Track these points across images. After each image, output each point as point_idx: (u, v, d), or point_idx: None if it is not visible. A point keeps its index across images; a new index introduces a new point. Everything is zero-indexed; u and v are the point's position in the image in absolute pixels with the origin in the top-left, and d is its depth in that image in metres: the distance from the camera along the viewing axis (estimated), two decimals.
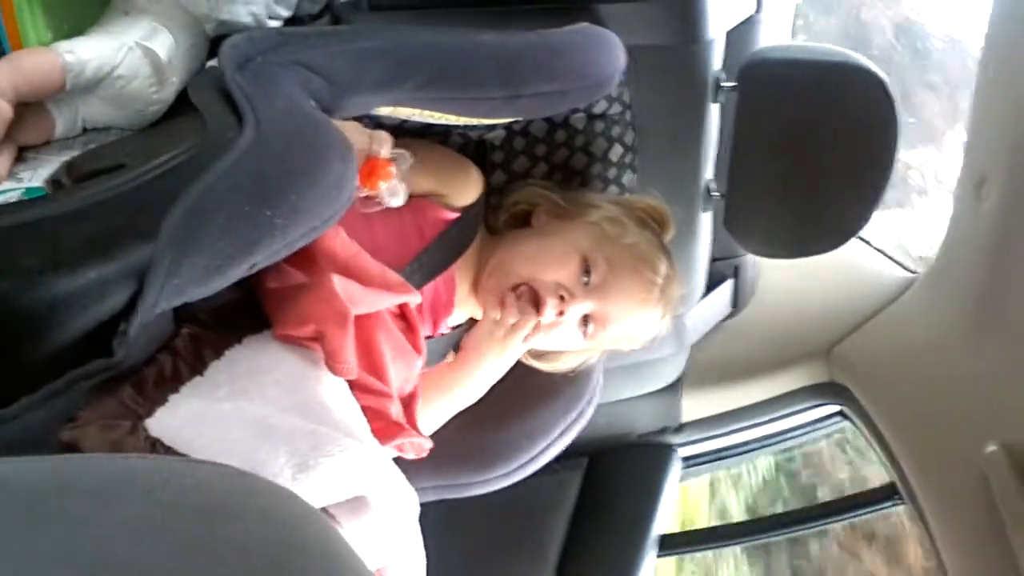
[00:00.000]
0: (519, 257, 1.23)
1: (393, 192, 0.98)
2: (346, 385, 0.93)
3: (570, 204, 1.29)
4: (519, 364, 1.31)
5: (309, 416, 0.84)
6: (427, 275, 1.17)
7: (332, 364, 0.89)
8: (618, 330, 1.25)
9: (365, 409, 0.94)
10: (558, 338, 1.24)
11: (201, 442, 0.76)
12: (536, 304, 1.19)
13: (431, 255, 1.17)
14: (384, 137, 0.98)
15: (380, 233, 1.11)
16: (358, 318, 0.94)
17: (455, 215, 1.21)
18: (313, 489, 0.77)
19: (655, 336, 1.32)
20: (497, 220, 1.33)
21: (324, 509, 0.82)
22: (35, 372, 0.72)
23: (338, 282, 0.93)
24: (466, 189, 1.23)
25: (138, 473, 0.50)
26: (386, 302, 1.02)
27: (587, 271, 1.20)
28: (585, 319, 1.22)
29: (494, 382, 1.25)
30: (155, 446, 0.74)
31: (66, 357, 0.72)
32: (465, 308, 1.28)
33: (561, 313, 1.19)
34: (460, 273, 1.25)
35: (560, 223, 1.27)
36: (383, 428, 0.98)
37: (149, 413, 0.77)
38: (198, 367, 0.84)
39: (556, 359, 1.33)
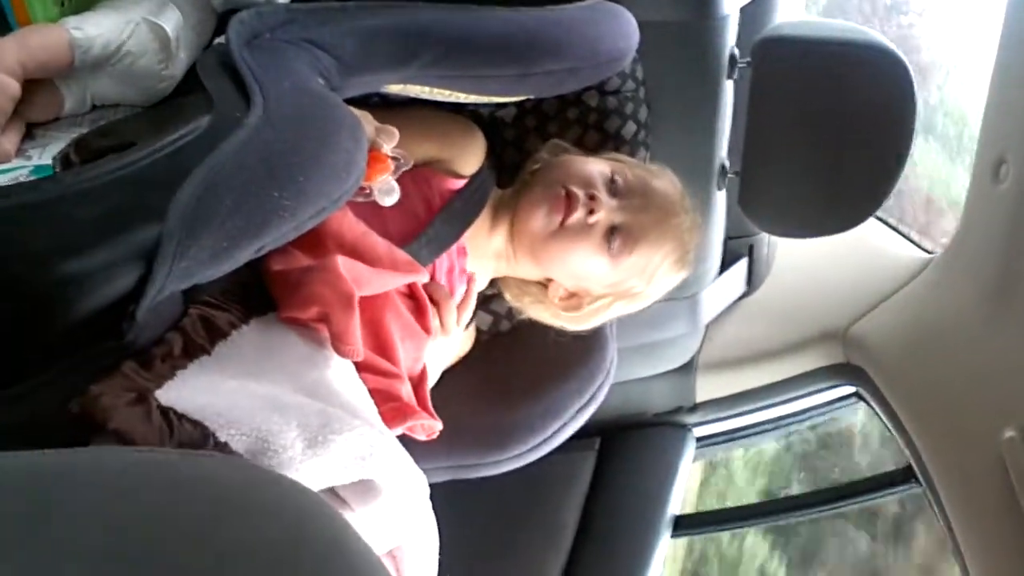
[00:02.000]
0: (550, 172, 1.24)
1: (386, 190, 0.97)
2: (353, 367, 0.92)
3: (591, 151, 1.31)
4: (534, 341, 1.30)
5: (317, 398, 0.83)
6: (436, 249, 1.16)
7: (338, 346, 0.89)
8: (641, 255, 1.24)
9: (375, 391, 0.93)
10: (582, 257, 1.23)
11: (214, 409, 0.75)
12: (568, 204, 1.20)
13: (438, 228, 1.16)
14: (391, 133, 0.97)
15: (386, 209, 1.11)
16: (366, 299, 0.94)
17: (461, 183, 1.20)
18: (324, 466, 0.77)
19: (671, 287, 1.33)
20: (519, 179, 1.32)
21: (336, 493, 0.82)
22: (45, 353, 0.72)
23: (343, 263, 0.92)
24: (470, 153, 1.23)
25: (147, 467, 0.50)
26: (394, 283, 1.02)
27: (613, 180, 1.21)
28: (612, 230, 1.21)
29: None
30: (167, 414, 0.74)
31: (76, 338, 0.72)
32: (485, 269, 1.27)
33: (591, 212, 1.19)
34: (474, 241, 1.24)
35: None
36: (393, 409, 0.97)
37: (158, 386, 0.76)
38: (206, 347, 0.83)
39: (579, 307, 1.32)
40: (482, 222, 1.25)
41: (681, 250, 1.28)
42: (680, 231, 1.27)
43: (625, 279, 1.27)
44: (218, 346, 0.83)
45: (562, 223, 1.19)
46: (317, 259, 0.94)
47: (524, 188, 1.26)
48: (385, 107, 1.17)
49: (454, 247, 1.21)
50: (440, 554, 0.97)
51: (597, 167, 1.22)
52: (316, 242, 0.94)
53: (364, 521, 0.82)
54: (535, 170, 1.29)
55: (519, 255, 1.27)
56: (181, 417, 0.74)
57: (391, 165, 0.97)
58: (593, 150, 1.33)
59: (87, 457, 0.50)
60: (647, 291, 1.31)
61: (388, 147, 0.96)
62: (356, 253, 0.97)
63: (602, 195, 1.20)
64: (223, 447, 0.74)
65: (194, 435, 0.73)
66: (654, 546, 1.68)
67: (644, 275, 1.28)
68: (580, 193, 1.19)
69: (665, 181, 1.27)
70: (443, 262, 1.20)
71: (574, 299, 1.30)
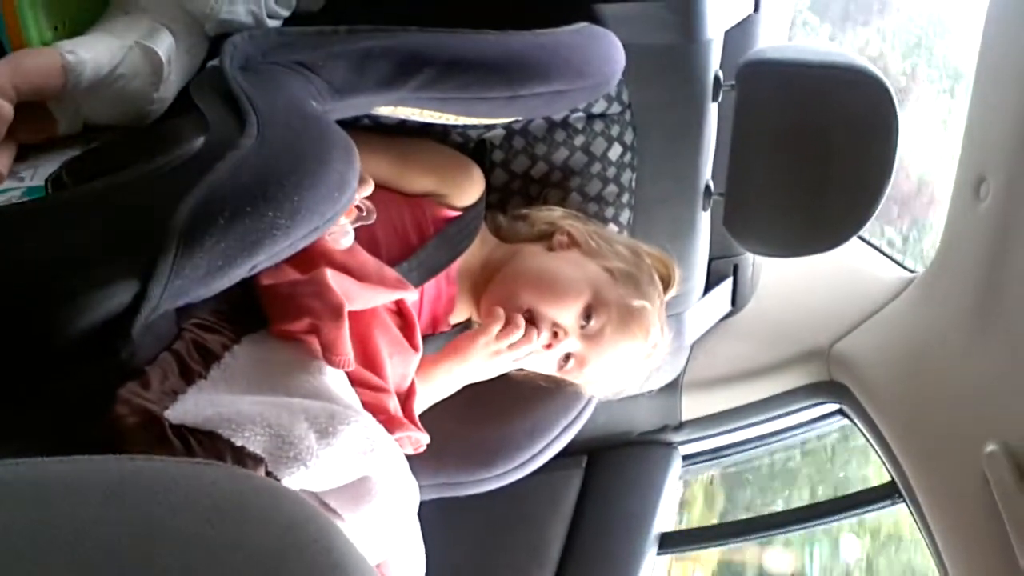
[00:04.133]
0: (529, 280, 1.25)
1: (340, 234, 0.99)
2: (345, 377, 0.93)
3: (595, 242, 1.31)
4: None
5: (318, 399, 0.86)
6: (426, 273, 1.18)
7: (329, 357, 0.90)
8: (592, 375, 1.29)
9: (363, 404, 0.94)
10: (534, 362, 1.27)
11: (222, 418, 0.77)
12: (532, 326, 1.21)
13: (430, 253, 1.18)
14: (366, 182, 1.00)
15: (379, 231, 1.12)
16: (355, 314, 0.95)
17: (456, 214, 1.22)
18: (335, 457, 0.79)
19: (621, 390, 1.37)
20: (514, 229, 1.34)
21: (325, 504, 0.83)
22: (37, 372, 0.72)
23: (332, 276, 0.93)
24: (468, 189, 1.24)
25: (146, 475, 0.50)
26: (382, 298, 1.03)
27: (588, 316, 1.23)
28: (567, 356, 1.25)
29: (468, 383, 1.27)
30: (180, 432, 0.75)
31: (69, 356, 0.72)
32: (465, 307, 1.29)
33: (549, 346, 1.22)
34: (462, 272, 1.26)
35: (578, 255, 1.29)
36: (382, 422, 0.98)
37: (165, 407, 0.77)
38: (201, 372, 0.84)
39: (521, 371, 1.35)
40: (474, 261, 1.28)
41: (642, 372, 1.33)
42: (643, 362, 1.31)
43: (573, 379, 1.33)
44: (213, 369, 0.84)
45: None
46: (306, 273, 0.95)
47: (510, 258, 1.29)
48: (377, 131, 1.18)
49: (443, 277, 1.22)
50: (426, 571, 0.98)
51: (582, 294, 1.23)
52: (306, 258, 0.95)
53: (353, 530, 0.83)
54: (526, 240, 1.32)
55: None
56: (193, 432, 0.75)
57: (353, 212, 0.99)
58: (580, 171, 1.35)
59: (87, 466, 0.51)
60: (595, 391, 1.39)
61: (358, 195, 0.98)
62: (345, 268, 0.98)
63: (570, 333, 1.23)
64: (242, 451, 0.75)
65: (210, 446, 0.75)
66: (640, 564, 1.68)
67: (593, 383, 1.35)
68: (545, 329, 1.22)
69: (650, 306, 1.28)
70: (430, 289, 1.21)
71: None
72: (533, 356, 1.24)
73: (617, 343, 1.25)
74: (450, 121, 1.10)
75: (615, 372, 1.30)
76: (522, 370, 1.31)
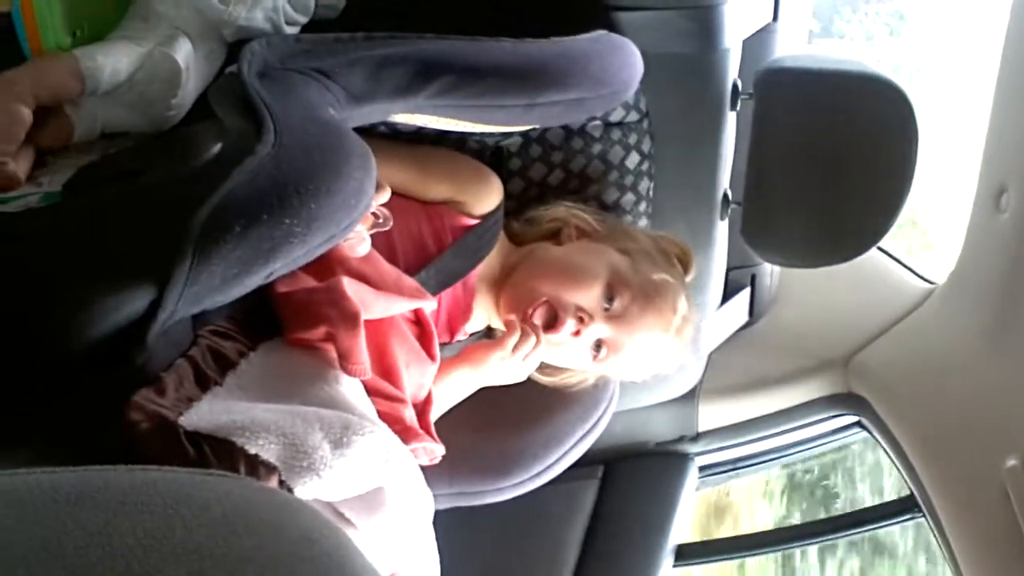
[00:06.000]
0: (544, 273, 1.24)
1: (359, 240, 0.99)
2: (361, 386, 0.93)
3: (604, 228, 1.30)
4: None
5: (333, 408, 0.85)
6: (443, 281, 1.17)
7: (345, 365, 0.90)
8: (628, 359, 1.27)
9: (379, 414, 0.94)
10: (568, 356, 1.26)
11: (236, 425, 0.77)
12: (553, 321, 1.20)
13: (448, 261, 1.17)
14: (383, 189, 1.00)
15: (396, 239, 1.12)
16: (372, 323, 0.95)
17: (474, 222, 1.21)
18: (349, 467, 0.79)
19: (660, 373, 1.34)
20: (526, 232, 1.33)
21: (338, 512, 0.83)
22: (53, 378, 0.72)
23: (348, 284, 0.93)
24: (485, 197, 1.24)
25: (157, 486, 0.50)
26: (400, 307, 1.03)
27: (610, 297, 1.21)
28: (599, 343, 1.24)
29: (483, 386, 1.26)
30: (194, 439, 0.75)
31: (85, 364, 0.72)
32: (483, 315, 1.28)
33: (577, 333, 1.20)
34: (480, 280, 1.25)
35: (591, 243, 1.28)
36: (397, 433, 0.98)
37: (180, 413, 0.77)
38: (217, 379, 0.84)
39: (556, 375, 1.34)
40: (492, 268, 1.27)
41: (676, 348, 1.31)
42: (674, 336, 1.29)
43: (610, 371, 1.32)
44: (229, 376, 0.84)
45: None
46: (322, 281, 0.95)
47: (525, 259, 1.28)
48: (394, 138, 1.18)
49: (461, 285, 1.22)
50: None
51: (600, 276, 1.22)
52: (322, 265, 0.94)
53: (366, 539, 0.83)
54: (538, 239, 1.31)
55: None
56: (208, 439, 0.75)
57: (370, 219, 0.99)
58: (597, 179, 1.35)
59: (98, 475, 0.50)
60: (634, 377, 1.36)
61: (375, 203, 0.98)
62: (362, 276, 0.98)
63: (596, 316, 1.21)
64: (255, 459, 0.75)
65: (224, 454, 0.75)
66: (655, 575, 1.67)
67: (631, 370, 1.33)
68: (569, 316, 1.20)
69: (670, 280, 1.27)
70: (448, 298, 1.21)
71: (549, 368, 1.32)
72: (565, 349, 1.23)
73: (645, 320, 1.23)
74: (467, 129, 1.10)
75: (650, 352, 1.28)
76: (549, 368, 1.31)
